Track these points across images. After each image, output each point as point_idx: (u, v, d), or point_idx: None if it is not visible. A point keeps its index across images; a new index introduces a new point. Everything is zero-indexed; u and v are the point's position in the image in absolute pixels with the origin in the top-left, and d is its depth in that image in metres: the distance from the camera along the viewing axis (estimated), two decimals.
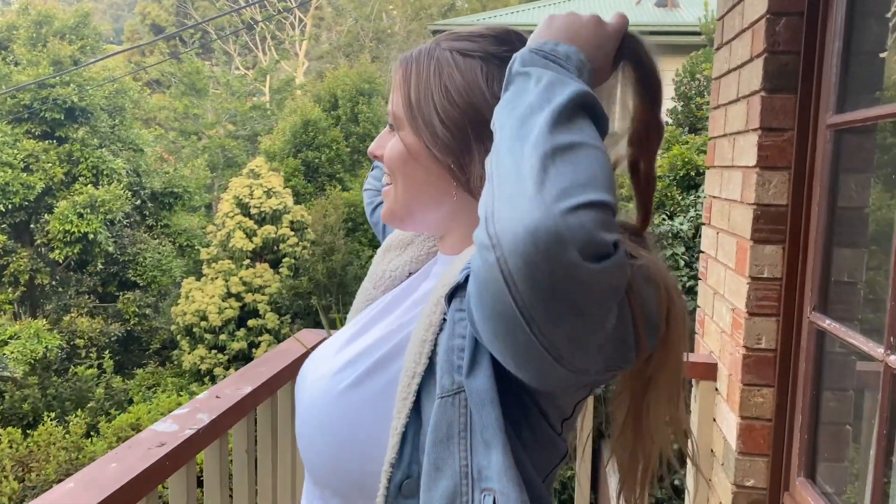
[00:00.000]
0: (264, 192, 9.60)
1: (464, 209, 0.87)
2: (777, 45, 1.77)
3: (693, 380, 2.15)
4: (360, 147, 11.87)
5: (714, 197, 2.25)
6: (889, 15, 1.67)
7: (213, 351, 9.05)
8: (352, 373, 0.86)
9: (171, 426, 1.48)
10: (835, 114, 1.67)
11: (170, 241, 11.58)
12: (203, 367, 8.92)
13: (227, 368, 8.87)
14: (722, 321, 2.06)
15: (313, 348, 2.11)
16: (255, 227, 9.55)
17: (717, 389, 2.09)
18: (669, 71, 9.06)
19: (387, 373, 0.84)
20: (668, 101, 8.89)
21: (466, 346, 0.74)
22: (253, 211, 9.56)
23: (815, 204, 1.74)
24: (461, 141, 0.85)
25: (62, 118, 11.22)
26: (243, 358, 8.99)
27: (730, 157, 2.06)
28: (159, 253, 10.91)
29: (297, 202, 10.32)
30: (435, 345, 0.78)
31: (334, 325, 2.36)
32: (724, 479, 1.95)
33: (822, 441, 1.78)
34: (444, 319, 0.78)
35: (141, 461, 1.32)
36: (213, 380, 8.83)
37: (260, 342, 9.01)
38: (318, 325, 8.98)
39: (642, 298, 0.70)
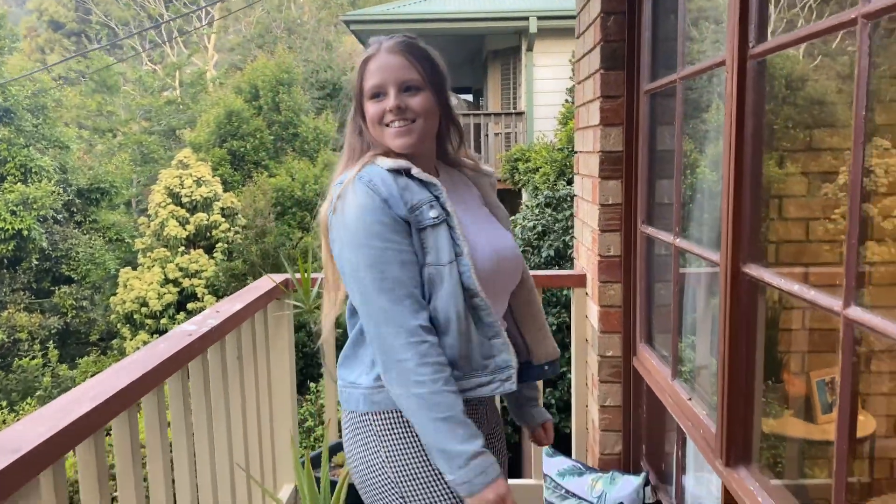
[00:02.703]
0: (194, 181, 9.95)
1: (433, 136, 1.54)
2: (609, 36, 2.45)
3: (571, 288, 2.86)
4: (282, 135, 12.34)
5: (579, 152, 2.93)
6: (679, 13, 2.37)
7: (156, 335, 9.35)
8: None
9: (191, 326, 2.06)
10: (648, 83, 2.36)
11: (99, 236, 11.74)
12: None
13: None
14: (586, 241, 2.76)
15: (283, 282, 2.71)
16: (188, 215, 9.89)
17: (587, 294, 2.79)
18: (567, 53, 9.83)
19: None
20: (568, 81, 9.66)
21: None
22: (184, 200, 9.90)
23: (640, 149, 2.43)
24: (433, 106, 1.49)
25: None
26: None
27: (586, 119, 2.75)
28: (91, 247, 11.08)
29: (225, 190, 10.71)
30: None
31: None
32: (593, 355, 2.65)
33: (655, 318, 2.49)
34: None
35: (176, 345, 1.89)
36: None
37: None
38: None
39: None
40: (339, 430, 2.44)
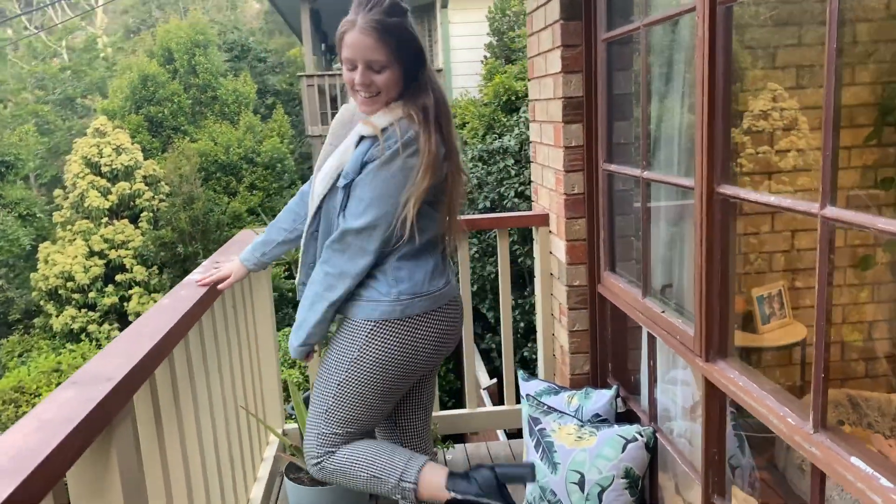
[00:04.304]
0: (113, 149, 9.58)
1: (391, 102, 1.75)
2: None
3: (534, 227, 3.07)
4: (201, 98, 11.98)
5: (535, 100, 3.12)
6: None
7: (84, 310, 9.08)
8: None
9: (198, 276, 2.15)
10: (606, 32, 2.57)
11: (7, 212, 11.15)
12: (76, 326, 8.97)
13: (101, 325, 8.98)
14: (549, 183, 2.97)
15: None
16: (109, 184, 9.55)
17: (550, 231, 3.01)
18: (482, 9, 9.96)
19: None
20: (485, 37, 9.81)
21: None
22: (104, 169, 9.54)
23: (599, 94, 2.64)
24: (396, 80, 1.73)
25: None
26: (116, 312, 9.13)
27: (543, 68, 2.93)
28: (2, 223, 10.53)
29: (144, 158, 10.36)
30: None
31: None
32: (560, 286, 2.89)
33: (617, 248, 2.74)
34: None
35: (195, 294, 1.98)
36: (90, 337, 8.94)
37: (131, 295, 9.16)
38: (185, 272, 9.28)
39: None
40: None
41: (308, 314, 1.79)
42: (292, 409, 2.76)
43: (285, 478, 2.56)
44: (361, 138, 1.73)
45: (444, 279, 1.87)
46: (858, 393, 3.04)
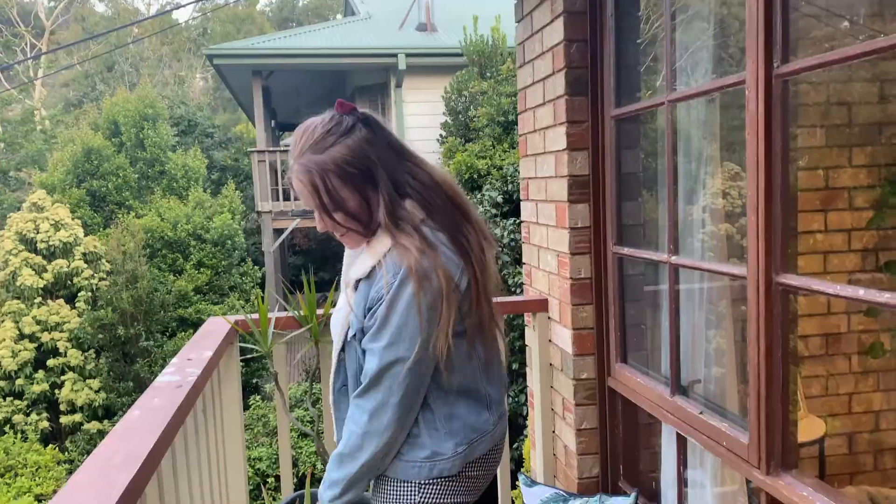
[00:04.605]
0: (51, 225, 9.00)
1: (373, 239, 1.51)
2: (572, 63, 2.49)
3: (531, 314, 2.84)
4: (148, 172, 11.52)
5: (530, 178, 2.95)
6: (639, 41, 2.46)
7: (9, 398, 8.29)
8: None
9: (173, 377, 1.83)
10: (615, 108, 2.42)
11: None
12: None
13: (28, 415, 8.20)
14: (548, 266, 2.76)
15: (236, 322, 2.50)
16: (44, 262, 8.92)
17: (549, 318, 2.78)
18: (437, 89, 9.99)
19: None
20: (441, 116, 9.81)
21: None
22: (40, 246, 8.92)
23: (607, 172, 2.47)
24: (355, 213, 1.50)
25: None
26: (46, 400, 8.36)
27: (541, 146, 2.77)
28: None
29: (85, 234, 9.79)
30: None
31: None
32: (565, 379, 2.64)
33: (629, 337, 2.52)
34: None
35: (173, 401, 1.66)
36: (14, 429, 8.12)
37: (64, 381, 8.43)
38: (125, 356, 8.66)
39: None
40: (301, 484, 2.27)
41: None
42: None
43: None
44: (358, 282, 1.52)
45: (499, 404, 1.64)
46: (878, 490, 2.85)
